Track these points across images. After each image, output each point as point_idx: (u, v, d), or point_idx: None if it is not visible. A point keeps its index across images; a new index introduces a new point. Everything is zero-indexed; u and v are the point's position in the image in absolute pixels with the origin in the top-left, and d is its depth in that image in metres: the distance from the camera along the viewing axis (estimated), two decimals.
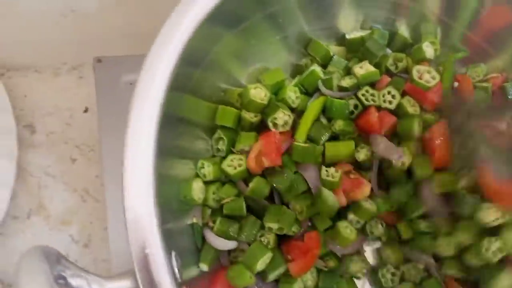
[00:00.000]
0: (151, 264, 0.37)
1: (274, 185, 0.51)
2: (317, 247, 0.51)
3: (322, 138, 0.53)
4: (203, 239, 0.51)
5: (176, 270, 0.40)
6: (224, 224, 0.50)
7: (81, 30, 0.63)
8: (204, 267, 0.49)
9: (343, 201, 0.51)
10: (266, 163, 0.50)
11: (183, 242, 0.47)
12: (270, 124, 0.52)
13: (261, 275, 0.51)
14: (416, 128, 0.52)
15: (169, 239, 0.39)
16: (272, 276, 0.50)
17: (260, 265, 0.49)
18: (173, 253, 0.40)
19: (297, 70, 0.59)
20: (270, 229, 0.51)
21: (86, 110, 0.67)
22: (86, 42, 0.63)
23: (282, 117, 0.52)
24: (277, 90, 0.55)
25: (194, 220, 0.51)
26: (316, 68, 0.56)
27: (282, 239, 0.52)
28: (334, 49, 0.59)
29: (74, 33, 0.63)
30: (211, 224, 0.51)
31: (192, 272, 0.47)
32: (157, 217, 0.38)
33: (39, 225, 0.63)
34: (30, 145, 0.65)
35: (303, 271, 0.51)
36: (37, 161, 0.65)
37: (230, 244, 0.51)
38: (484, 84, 0.57)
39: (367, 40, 0.57)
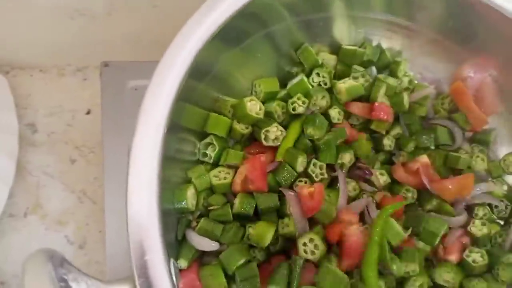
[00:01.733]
0: (150, 271, 0.37)
1: (258, 205, 0.51)
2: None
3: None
4: (184, 236, 0.50)
5: (174, 278, 0.40)
6: (208, 224, 0.50)
7: (88, 33, 0.64)
8: (184, 263, 0.47)
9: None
10: (252, 188, 0.50)
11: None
12: (262, 136, 0.52)
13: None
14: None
15: None
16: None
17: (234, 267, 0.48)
18: (172, 260, 0.41)
19: (287, 78, 0.58)
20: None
21: (88, 112, 0.67)
22: (92, 45, 0.64)
23: (275, 131, 0.52)
24: (266, 101, 0.55)
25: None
26: (304, 78, 0.56)
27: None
28: (325, 56, 0.59)
29: (81, 36, 0.64)
30: (194, 224, 0.50)
31: None
32: (160, 225, 0.38)
33: (36, 224, 0.63)
34: (31, 144, 0.65)
35: None
36: (37, 160, 0.65)
37: (210, 245, 0.50)
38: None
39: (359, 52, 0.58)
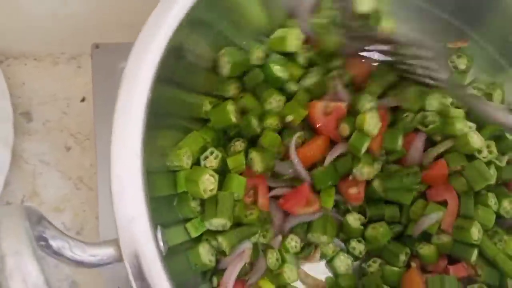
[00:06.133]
0: (135, 233, 0.36)
1: None
2: None
3: None
4: None
5: (161, 243, 0.39)
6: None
7: (80, 17, 0.64)
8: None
9: None
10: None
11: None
12: None
13: None
14: None
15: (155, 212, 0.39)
16: None
17: None
18: (159, 227, 0.40)
19: None
20: None
21: (83, 100, 0.67)
22: (85, 30, 0.64)
23: None
24: None
25: None
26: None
27: None
28: None
29: (72, 20, 0.64)
30: None
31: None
32: (144, 187, 0.38)
33: None
34: (26, 133, 0.65)
35: None
36: (32, 149, 0.65)
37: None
38: None
39: None
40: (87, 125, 0.66)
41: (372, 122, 0.51)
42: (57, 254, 0.33)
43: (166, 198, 0.49)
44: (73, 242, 0.34)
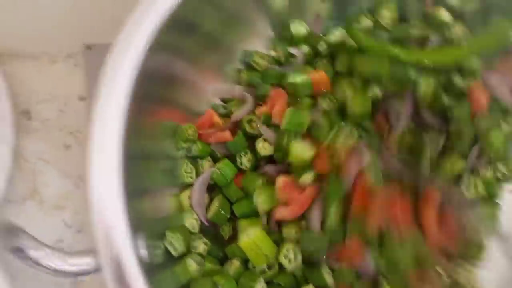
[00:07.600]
0: (114, 242, 0.37)
1: None
2: None
3: None
4: None
5: (143, 251, 0.40)
6: None
7: (74, 16, 0.64)
8: None
9: None
10: None
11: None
12: None
13: None
14: None
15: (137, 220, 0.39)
16: None
17: None
18: (140, 234, 0.40)
19: None
20: None
21: (81, 98, 0.68)
22: (79, 28, 0.64)
23: None
24: None
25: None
26: None
27: None
28: None
29: (68, 18, 0.64)
30: None
31: None
32: (123, 196, 0.38)
33: (33, 210, 0.64)
34: (25, 131, 0.66)
35: None
36: (32, 147, 0.66)
37: None
38: None
39: None
40: (86, 123, 0.66)
41: None
42: (36, 264, 0.34)
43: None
44: (52, 252, 0.34)
